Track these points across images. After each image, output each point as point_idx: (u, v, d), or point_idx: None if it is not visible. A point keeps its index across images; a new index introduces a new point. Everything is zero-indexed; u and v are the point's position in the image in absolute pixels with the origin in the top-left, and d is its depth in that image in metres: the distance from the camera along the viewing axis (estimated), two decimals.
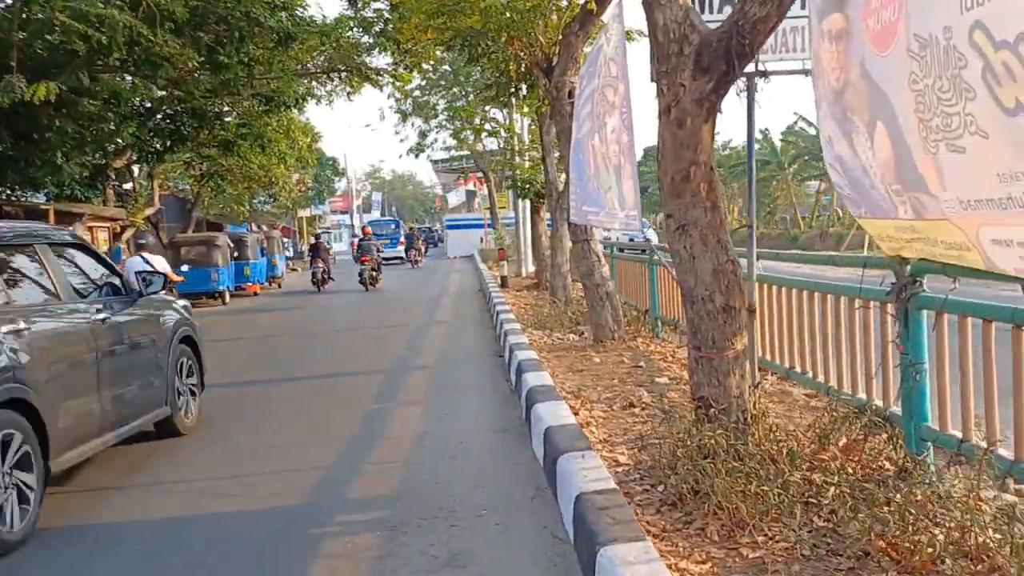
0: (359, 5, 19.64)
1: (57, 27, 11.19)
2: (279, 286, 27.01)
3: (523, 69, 9.50)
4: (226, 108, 23.08)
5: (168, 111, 21.32)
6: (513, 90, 10.79)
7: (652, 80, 5.41)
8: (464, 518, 4.32)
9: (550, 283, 14.59)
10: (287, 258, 42.73)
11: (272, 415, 7.36)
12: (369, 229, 27.13)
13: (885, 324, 4.74)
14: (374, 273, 23.11)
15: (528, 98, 11.31)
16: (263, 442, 6.32)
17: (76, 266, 5.96)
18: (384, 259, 27.23)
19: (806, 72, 5.66)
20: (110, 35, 10.62)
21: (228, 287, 21.25)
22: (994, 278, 3.48)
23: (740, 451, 4.28)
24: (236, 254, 22.59)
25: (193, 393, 6.97)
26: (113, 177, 25.28)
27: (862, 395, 5.09)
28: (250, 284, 23.54)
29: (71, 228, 19.08)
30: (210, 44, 14.05)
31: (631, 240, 12.77)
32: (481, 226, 42.63)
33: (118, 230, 21.75)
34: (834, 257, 5.19)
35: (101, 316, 5.66)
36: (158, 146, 21.10)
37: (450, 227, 46.07)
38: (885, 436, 4.66)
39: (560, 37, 9.17)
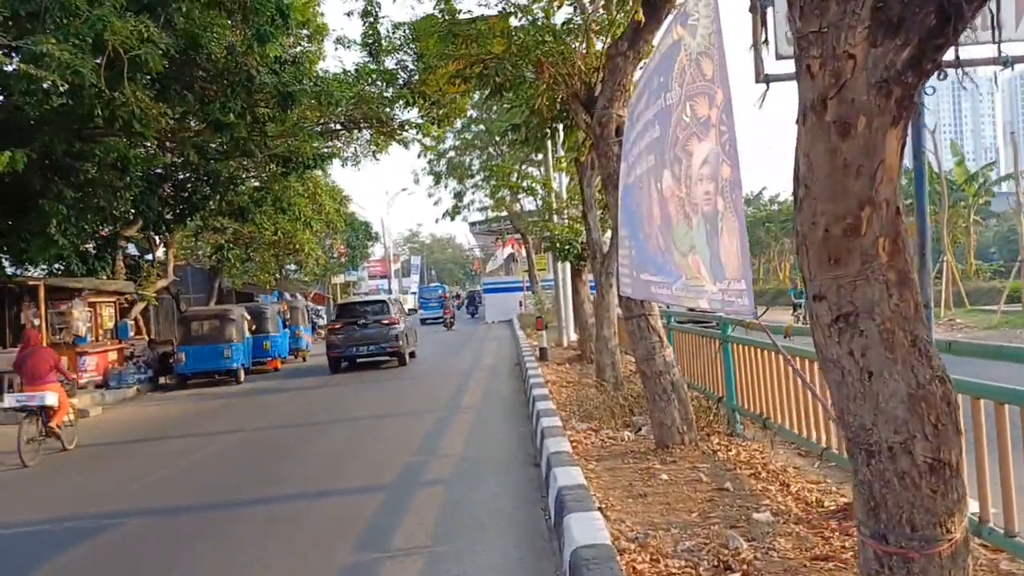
0: (380, 56, 18.15)
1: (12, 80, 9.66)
2: (304, 359, 25.18)
3: (558, 104, 7.60)
4: (249, 173, 21.72)
5: (181, 177, 19.95)
6: (547, 131, 8.71)
7: (760, 80, 3.41)
8: None
9: (596, 359, 12.46)
10: (319, 326, 41.20)
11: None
12: (447, 293, 50.44)
13: None
14: (452, 319, 38.43)
15: (566, 140, 9.31)
16: None
17: (398, 303, 22.54)
18: (432, 317, 44.62)
19: (1006, 63, 3.61)
20: (67, 81, 9.00)
21: (243, 364, 19.46)
22: None
23: None
24: (255, 327, 20.88)
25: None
26: (125, 247, 24.00)
27: None
28: (270, 359, 21.75)
29: (71, 303, 17.54)
30: (200, 101, 12.46)
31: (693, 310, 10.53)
32: (520, 289, 40.65)
33: (126, 304, 20.16)
34: None
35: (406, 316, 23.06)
36: (168, 215, 19.69)
37: (488, 291, 44.02)
38: None
39: (604, 60, 7.26)
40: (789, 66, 4.12)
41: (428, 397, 14.03)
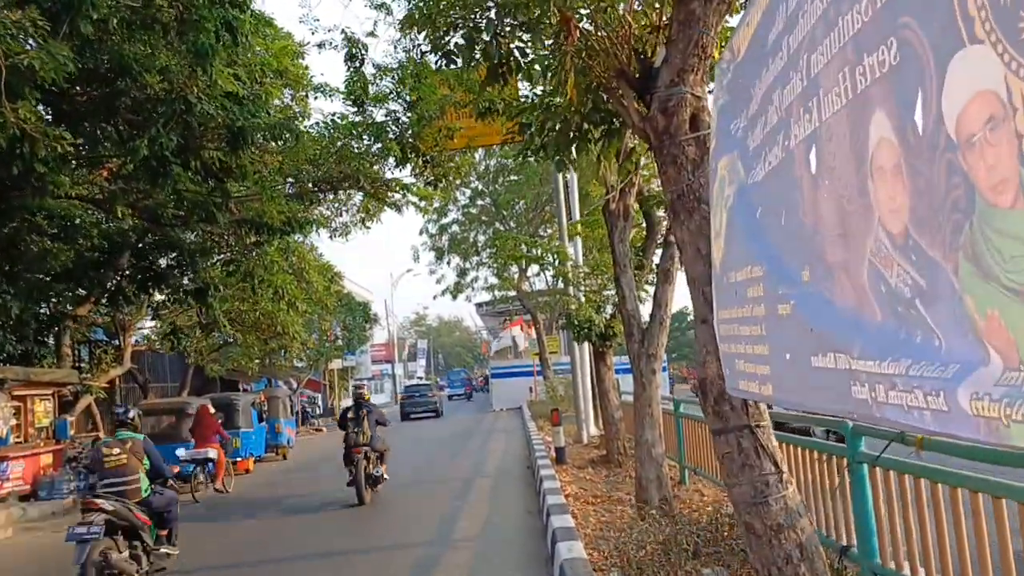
0: (366, 107, 15.66)
1: None
2: (284, 457, 21.99)
3: (589, 96, 4.82)
4: (231, 246, 19.06)
5: (140, 245, 17.30)
6: (575, 135, 5.64)
7: None
8: None
9: (636, 472, 9.37)
10: (312, 417, 37.94)
11: None
12: (469, 376, 72.24)
13: None
14: (471, 392, 59.54)
15: (603, 152, 6.37)
16: None
17: (436, 385, 53.28)
18: (457, 394, 59.43)
19: None
20: None
21: None
22: None
23: None
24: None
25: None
26: (91, 331, 21.25)
27: None
28: (240, 459, 18.61)
29: None
30: (121, 137, 9.80)
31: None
32: (530, 374, 37.50)
33: (69, 396, 17.19)
34: None
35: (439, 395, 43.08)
36: (127, 287, 17.00)
37: (495, 376, 40.69)
38: None
39: (669, 12, 4.51)
40: None
41: (414, 521, 10.94)
